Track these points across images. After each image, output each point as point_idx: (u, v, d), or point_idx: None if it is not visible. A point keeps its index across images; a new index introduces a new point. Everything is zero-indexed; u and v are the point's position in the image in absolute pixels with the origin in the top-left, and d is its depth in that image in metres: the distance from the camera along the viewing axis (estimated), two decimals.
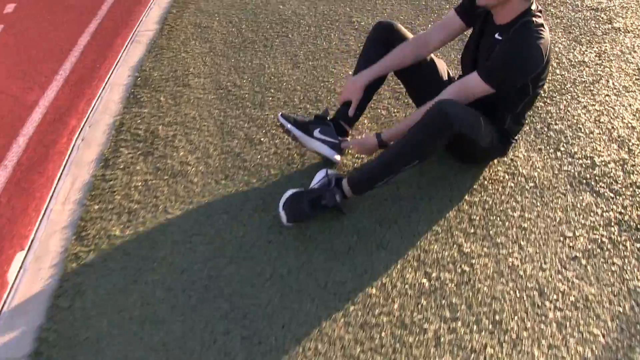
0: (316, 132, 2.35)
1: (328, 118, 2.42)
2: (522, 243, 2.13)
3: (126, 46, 3.41)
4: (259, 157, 2.52)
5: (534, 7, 1.99)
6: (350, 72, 2.98)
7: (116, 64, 3.23)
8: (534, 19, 1.96)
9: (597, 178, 2.41)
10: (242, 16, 3.65)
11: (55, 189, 2.46)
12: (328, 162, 2.44)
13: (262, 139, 2.62)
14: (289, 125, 2.35)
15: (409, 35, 2.42)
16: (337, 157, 2.36)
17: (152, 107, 2.86)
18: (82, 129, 2.77)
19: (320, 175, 2.24)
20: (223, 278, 2.01)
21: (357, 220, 2.21)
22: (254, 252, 2.10)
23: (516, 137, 2.35)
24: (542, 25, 1.96)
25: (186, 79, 3.06)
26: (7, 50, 3.38)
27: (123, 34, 3.53)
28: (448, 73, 2.48)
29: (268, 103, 2.85)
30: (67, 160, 2.60)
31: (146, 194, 2.38)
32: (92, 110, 2.89)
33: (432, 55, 2.40)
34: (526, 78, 2.02)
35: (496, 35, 2.05)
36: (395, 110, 2.78)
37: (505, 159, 2.48)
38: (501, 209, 2.26)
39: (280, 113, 2.38)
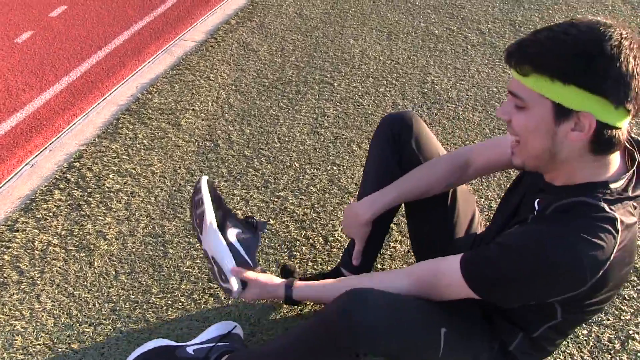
0: (231, 232, 1.47)
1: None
2: None
3: (156, 56, 2.94)
4: (184, 255, 1.89)
5: (617, 185, 1.04)
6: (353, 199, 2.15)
7: (129, 78, 2.79)
8: (603, 205, 1.00)
9: None
10: (300, 44, 2.98)
11: None
12: (240, 312, 1.72)
13: None
14: (204, 197, 1.50)
15: (432, 138, 1.57)
16: (235, 286, 1.39)
17: (123, 144, 2.36)
18: (40, 152, 2.37)
19: (214, 332, 1.56)
20: None
21: None
22: None
23: None
24: (611, 222, 0.99)
25: (181, 116, 2.50)
26: (52, 37, 3.11)
27: (163, 39, 3.08)
28: (473, 216, 1.58)
29: (246, 178, 2.18)
30: None
31: (36, 264, 1.90)
32: (65, 131, 2.48)
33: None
34: (541, 298, 1.10)
35: (536, 202, 1.14)
36: (387, 244, 1.94)
37: None
38: None
39: (207, 177, 1.58)
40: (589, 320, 1.63)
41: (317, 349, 1.19)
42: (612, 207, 1.01)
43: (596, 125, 0.97)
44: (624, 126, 0.99)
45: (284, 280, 1.38)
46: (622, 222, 1.00)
